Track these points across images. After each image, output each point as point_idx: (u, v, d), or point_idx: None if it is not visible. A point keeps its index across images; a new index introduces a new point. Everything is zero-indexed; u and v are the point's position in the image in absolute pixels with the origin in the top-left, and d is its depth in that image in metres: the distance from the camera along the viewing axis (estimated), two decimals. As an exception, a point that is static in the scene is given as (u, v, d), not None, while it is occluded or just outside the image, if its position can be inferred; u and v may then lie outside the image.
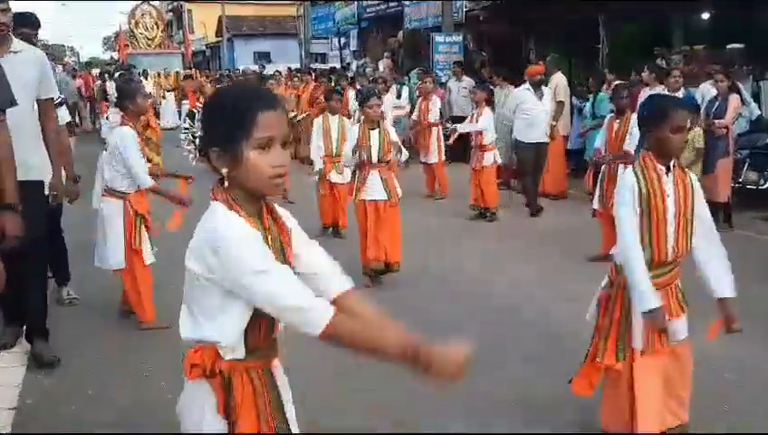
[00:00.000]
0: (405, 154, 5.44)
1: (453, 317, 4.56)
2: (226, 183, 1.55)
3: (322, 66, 20.21)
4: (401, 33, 16.42)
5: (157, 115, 16.59)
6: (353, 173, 5.46)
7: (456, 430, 3.14)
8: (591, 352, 2.84)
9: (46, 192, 3.87)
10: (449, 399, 3.12)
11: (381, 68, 15.57)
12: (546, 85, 8.14)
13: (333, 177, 6.73)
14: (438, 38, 12.67)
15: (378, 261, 5.20)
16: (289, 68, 18.38)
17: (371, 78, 13.52)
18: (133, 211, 4.32)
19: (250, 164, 1.50)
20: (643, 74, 7.90)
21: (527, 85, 7.77)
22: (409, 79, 12.46)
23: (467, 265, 5.89)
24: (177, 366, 1.73)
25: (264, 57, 30.22)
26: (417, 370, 1.46)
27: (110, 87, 4.81)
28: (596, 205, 5.73)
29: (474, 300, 4.94)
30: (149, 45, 26.71)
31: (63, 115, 5.01)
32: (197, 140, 1.61)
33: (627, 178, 2.67)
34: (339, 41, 21.05)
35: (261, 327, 1.58)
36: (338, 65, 20.31)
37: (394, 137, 5.34)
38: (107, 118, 8.47)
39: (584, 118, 8.76)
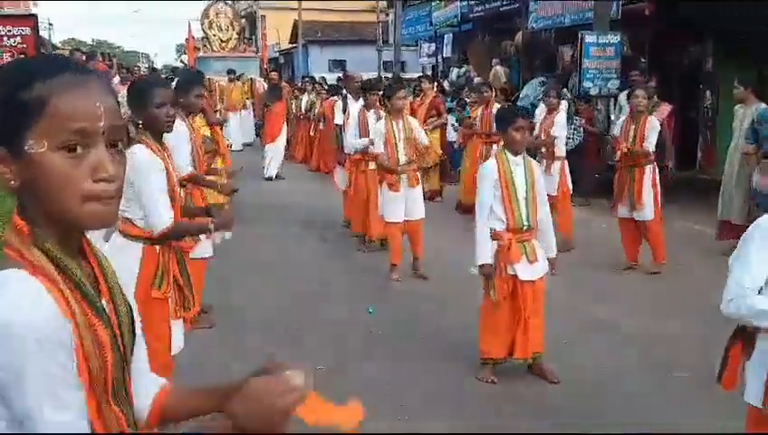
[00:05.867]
0: None
1: None
2: None
3: (408, 76, 17.44)
4: (519, 34, 13.36)
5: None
6: None
7: None
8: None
9: None
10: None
11: (501, 78, 12.56)
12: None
13: (522, 270, 3.75)
14: (589, 38, 9.51)
15: None
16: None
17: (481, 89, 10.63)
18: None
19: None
20: None
21: None
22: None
23: None
24: None
25: (339, 65, 27.81)
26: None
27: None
28: None
29: None
30: (223, 48, 23.95)
31: None
32: None
33: None
34: (436, 45, 18.22)
35: None
36: (420, 74, 17.52)
37: None
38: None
39: None
